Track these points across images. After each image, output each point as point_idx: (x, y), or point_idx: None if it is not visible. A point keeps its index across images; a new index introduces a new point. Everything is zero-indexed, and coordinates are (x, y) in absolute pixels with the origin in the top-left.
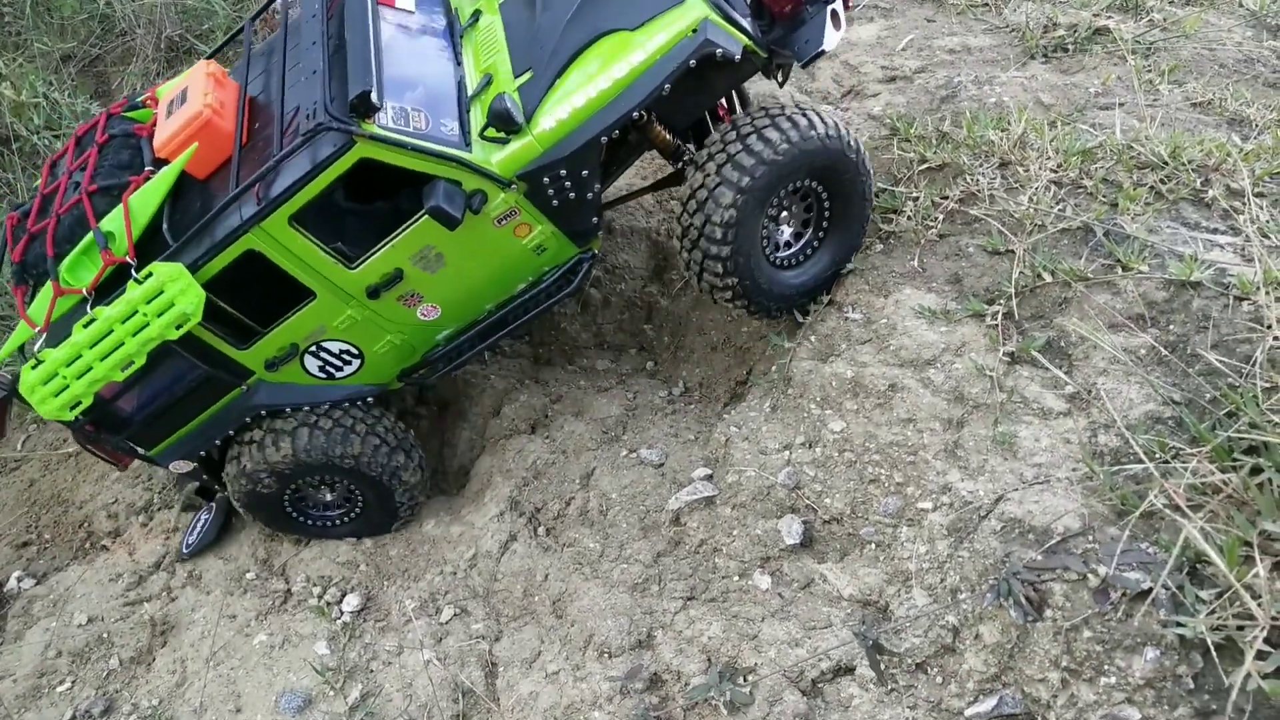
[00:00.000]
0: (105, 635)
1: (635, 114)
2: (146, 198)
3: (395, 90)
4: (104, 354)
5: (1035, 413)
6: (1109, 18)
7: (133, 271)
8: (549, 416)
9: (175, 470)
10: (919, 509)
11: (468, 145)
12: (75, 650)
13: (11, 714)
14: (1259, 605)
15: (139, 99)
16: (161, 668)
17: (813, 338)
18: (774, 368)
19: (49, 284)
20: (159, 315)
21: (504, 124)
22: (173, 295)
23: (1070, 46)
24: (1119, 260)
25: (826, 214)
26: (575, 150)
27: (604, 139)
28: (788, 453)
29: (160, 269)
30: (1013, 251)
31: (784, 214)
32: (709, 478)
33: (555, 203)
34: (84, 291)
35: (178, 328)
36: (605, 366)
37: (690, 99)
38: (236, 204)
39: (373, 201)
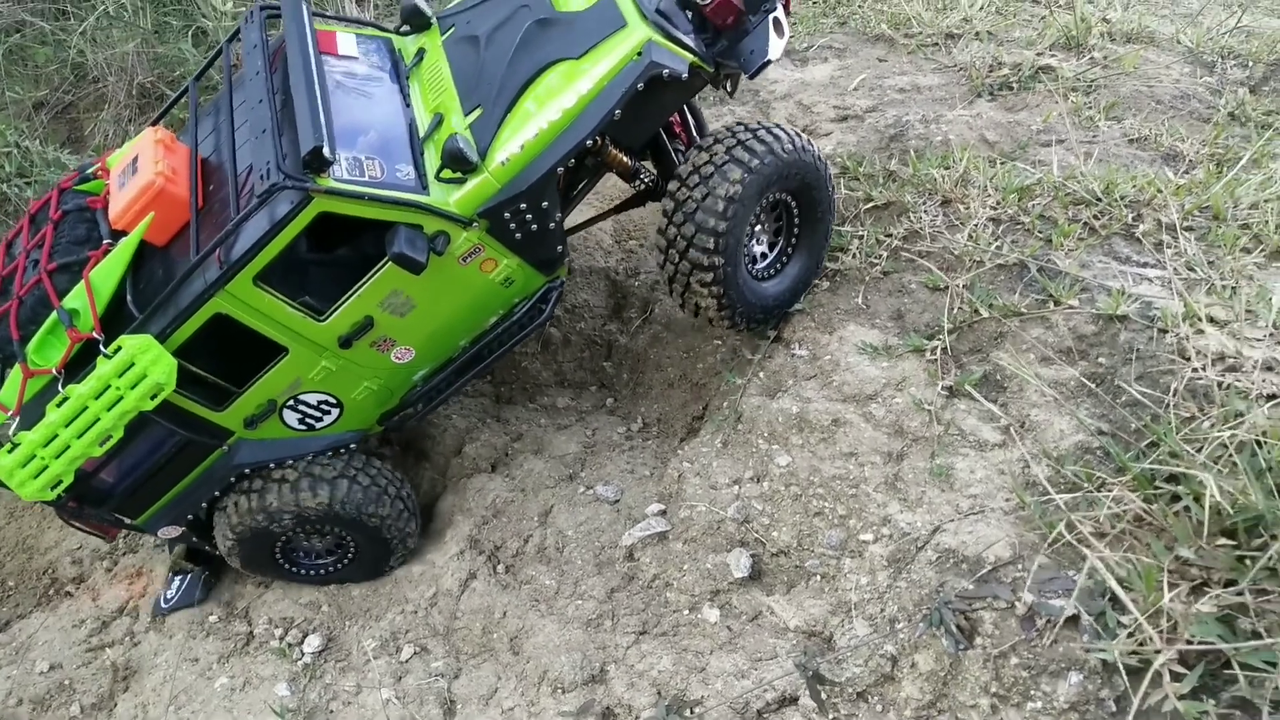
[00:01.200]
0: (67, 682)
1: (588, 141)
2: (107, 271)
3: (347, 139)
4: (80, 431)
5: (972, 445)
6: (1052, 56)
7: (101, 347)
8: (509, 455)
9: (164, 536)
10: (860, 540)
11: (425, 188)
12: (36, 698)
13: None
14: (1161, 632)
15: (89, 169)
16: (123, 713)
17: (762, 374)
18: (725, 404)
19: (17, 367)
20: (132, 387)
21: (459, 164)
22: (144, 366)
23: (1015, 85)
24: (1051, 295)
25: (796, 226)
26: (533, 183)
27: (560, 169)
28: (737, 487)
29: (129, 341)
30: (950, 290)
31: (758, 227)
32: (662, 513)
33: (518, 236)
34: (53, 371)
35: (152, 398)
36: (565, 404)
37: (642, 120)
38: (199, 270)
39: (335, 249)
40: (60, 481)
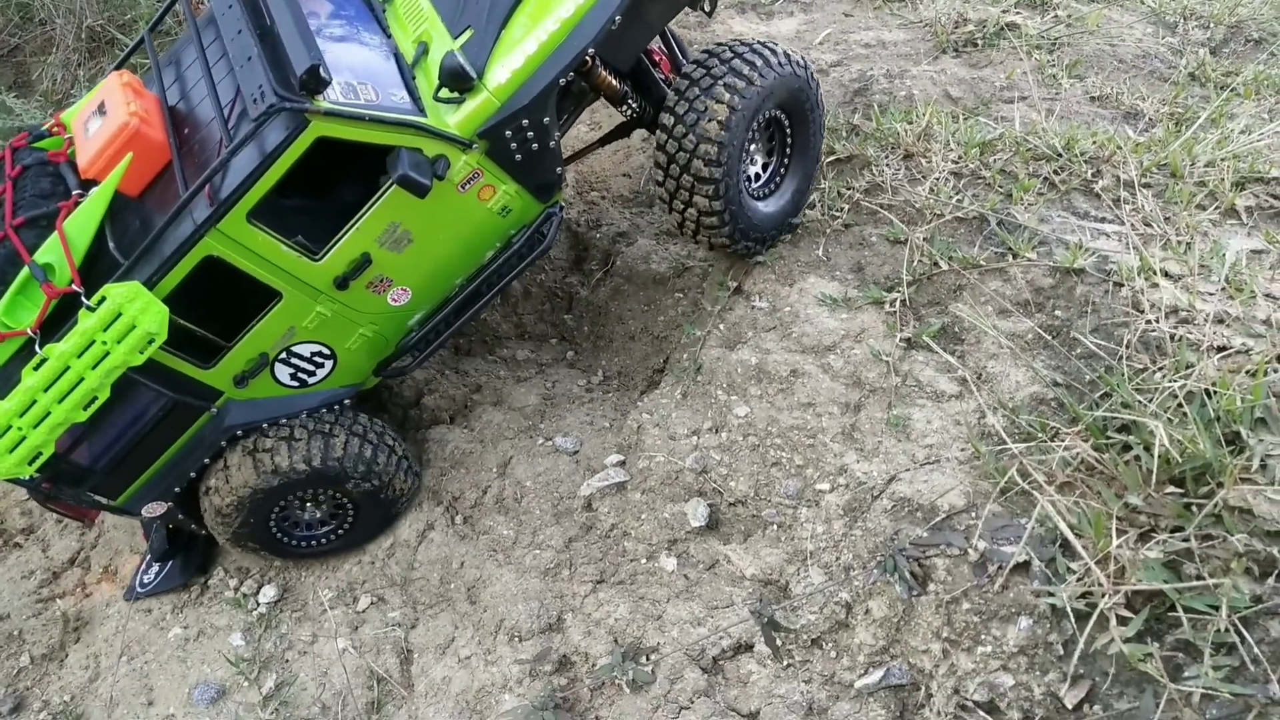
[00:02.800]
0: (16, 632)
1: (589, 51)
2: (83, 221)
3: (334, 69)
4: (62, 394)
5: (928, 396)
6: (1017, 13)
7: (83, 299)
8: (468, 406)
9: (148, 515)
10: (817, 490)
11: (422, 112)
12: None
13: None
14: (1108, 575)
15: (43, 128)
16: (74, 663)
17: (721, 326)
18: (685, 356)
19: None
20: (119, 341)
21: (457, 81)
22: (133, 316)
23: (980, 41)
24: (1010, 248)
25: (789, 144)
26: (534, 97)
27: (561, 81)
28: (696, 438)
29: (114, 290)
30: (910, 243)
31: (753, 146)
32: (621, 464)
33: (518, 157)
34: (28, 332)
35: (142, 351)
36: (525, 356)
37: (631, 37)
38: (187, 210)
39: (317, 197)
40: (39, 454)
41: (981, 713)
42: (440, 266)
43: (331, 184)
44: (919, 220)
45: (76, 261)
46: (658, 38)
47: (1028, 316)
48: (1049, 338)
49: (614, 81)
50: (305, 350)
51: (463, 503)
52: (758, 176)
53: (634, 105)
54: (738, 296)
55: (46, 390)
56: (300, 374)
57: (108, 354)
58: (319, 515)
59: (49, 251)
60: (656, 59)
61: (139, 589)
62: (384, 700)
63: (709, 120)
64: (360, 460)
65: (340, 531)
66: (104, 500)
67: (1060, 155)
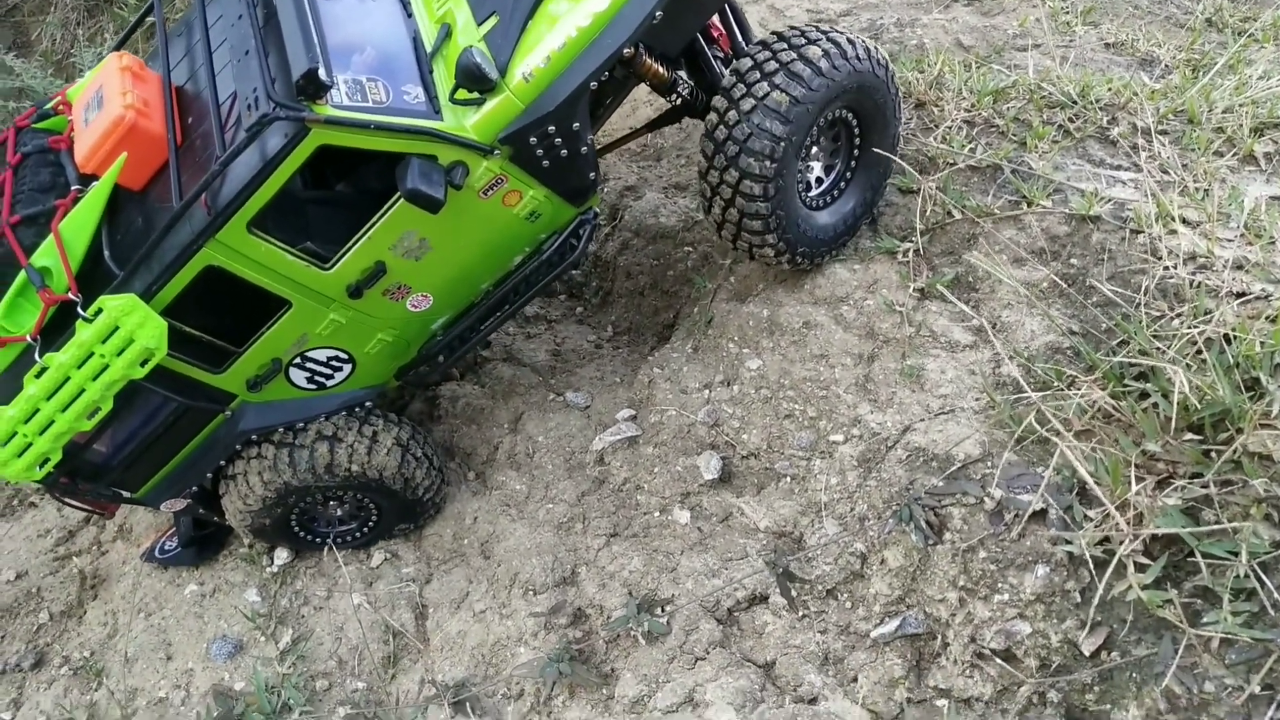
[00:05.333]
0: (34, 590)
1: (624, 50)
2: (79, 223)
3: (343, 59)
4: (64, 404)
5: (943, 346)
6: None
7: (79, 309)
8: (479, 362)
9: (169, 510)
10: (831, 441)
11: (437, 113)
12: (4, 606)
13: None
14: (1127, 522)
15: (48, 105)
16: (92, 620)
17: (732, 279)
18: (696, 309)
19: None
20: (118, 354)
21: (476, 82)
22: (130, 330)
23: None
24: (1024, 196)
25: (855, 150)
26: (561, 102)
27: (592, 84)
28: (708, 391)
29: (110, 303)
30: (922, 193)
31: (814, 149)
32: (633, 418)
33: (546, 163)
34: (28, 338)
35: (142, 364)
36: (534, 312)
37: (683, 21)
38: (184, 217)
39: (335, 185)
40: (47, 459)
41: (998, 660)
42: (463, 272)
43: (346, 175)
44: (931, 169)
45: (74, 267)
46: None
47: (1043, 265)
48: (1065, 285)
49: (661, 70)
50: (321, 355)
51: (475, 459)
52: (818, 182)
53: (684, 93)
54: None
55: (49, 399)
56: (317, 377)
57: (107, 366)
58: (341, 514)
59: (46, 254)
60: (715, 34)
61: (157, 554)
62: (400, 654)
63: (768, 108)
64: (380, 465)
65: (364, 530)
66: (124, 494)
67: (1075, 102)
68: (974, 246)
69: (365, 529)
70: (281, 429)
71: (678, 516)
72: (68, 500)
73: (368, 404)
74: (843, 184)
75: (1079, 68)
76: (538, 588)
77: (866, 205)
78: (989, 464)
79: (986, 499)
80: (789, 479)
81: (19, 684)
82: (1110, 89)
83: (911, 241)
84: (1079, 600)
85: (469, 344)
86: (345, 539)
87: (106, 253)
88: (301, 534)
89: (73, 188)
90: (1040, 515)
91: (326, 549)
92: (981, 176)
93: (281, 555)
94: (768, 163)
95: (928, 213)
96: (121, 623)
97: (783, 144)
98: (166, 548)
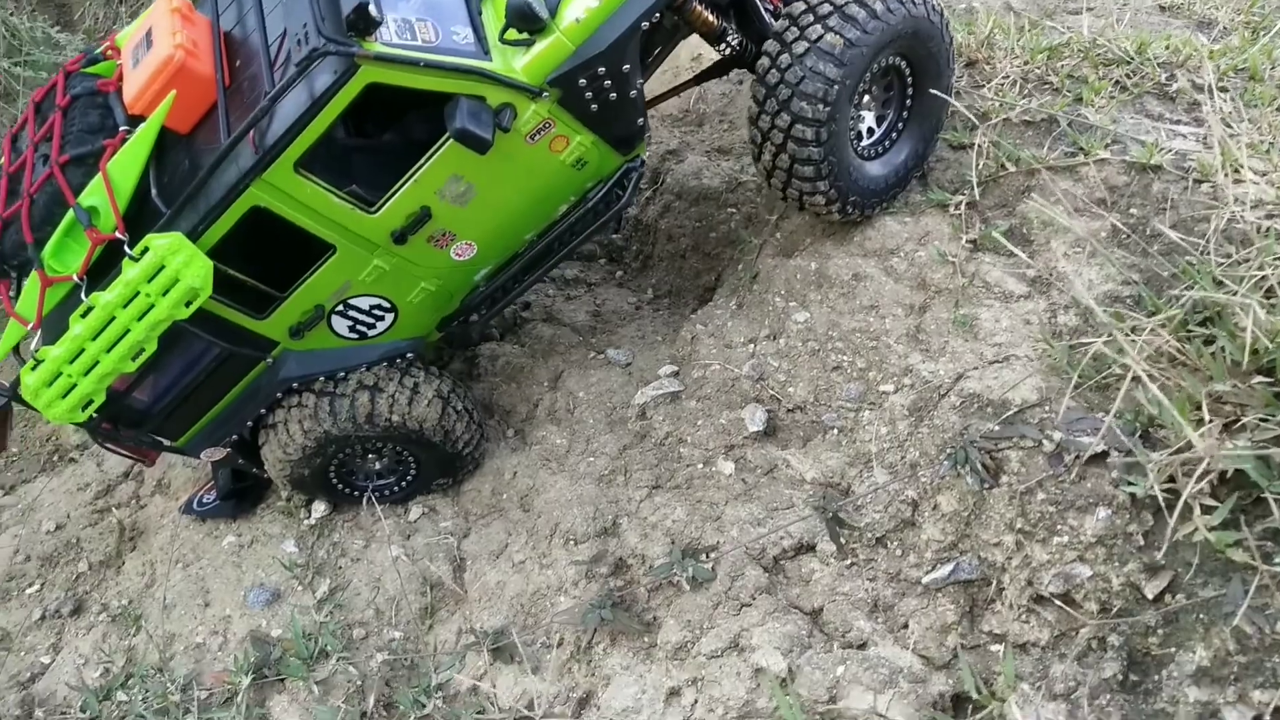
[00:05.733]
0: (74, 540)
1: None
2: (127, 162)
3: (392, 1)
4: (109, 344)
5: (996, 296)
6: None
7: (126, 248)
8: (518, 323)
9: (208, 459)
10: (880, 391)
11: (486, 54)
12: (44, 555)
13: None
14: (1195, 461)
15: (97, 51)
16: (131, 570)
17: (778, 235)
18: (741, 265)
19: (34, 274)
20: (164, 294)
21: (526, 22)
22: (176, 270)
23: None
24: (1081, 148)
25: (908, 99)
26: (613, 43)
27: (645, 24)
28: (753, 345)
29: (156, 242)
30: (977, 145)
31: (866, 98)
32: (675, 374)
33: (594, 107)
34: (75, 278)
35: (187, 305)
36: (574, 275)
37: None
38: (231, 156)
39: (378, 135)
40: (90, 401)
41: (1058, 602)
42: (508, 220)
43: (398, 118)
44: (983, 124)
45: (121, 206)
46: None
47: (1103, 215)
48: (1126, 234)
49: (711, 18)
50: (363, 303)
51: (514, 417)
52: (870, 132)
53: (733, 43)
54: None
55: (94, 339)
56: (359, 326)
57: (152, 306)
58: (379, 467)
59: (94, 194)
60: None
61: (195, 506)
62: (437, 605)
63: (821, 51)
64: (420, 416)
65: (402, 485)
66: (165, 441)
67: (1132, 60)
68: (1028, 198)
69: (403, 483)
70: (322, 378)
71: (721, 467)
72: (109, 446)
73: (408, 355)
74: (895, 134)
75: (1134, 29)
76: (578, 538)
77: (918, 157)
78: (1046, 409)
79: (1045, 441)
80: (836, 431)
81: (58, 629)
82: (1168, 47)
83: (963, 194)
84: (1141, 543)
85: (511, 295)
86: (383, 493)
87: (154, 191)
88: (340, 486)
89: (121, 128)
90: (1101, 458)
91: (365, 501)
92: (1036, 130)
93: (319, 509)
94: (821, 106)
95: (979, 165)
96: (159, 573)
97: (836, 87)
98: (205, 500)
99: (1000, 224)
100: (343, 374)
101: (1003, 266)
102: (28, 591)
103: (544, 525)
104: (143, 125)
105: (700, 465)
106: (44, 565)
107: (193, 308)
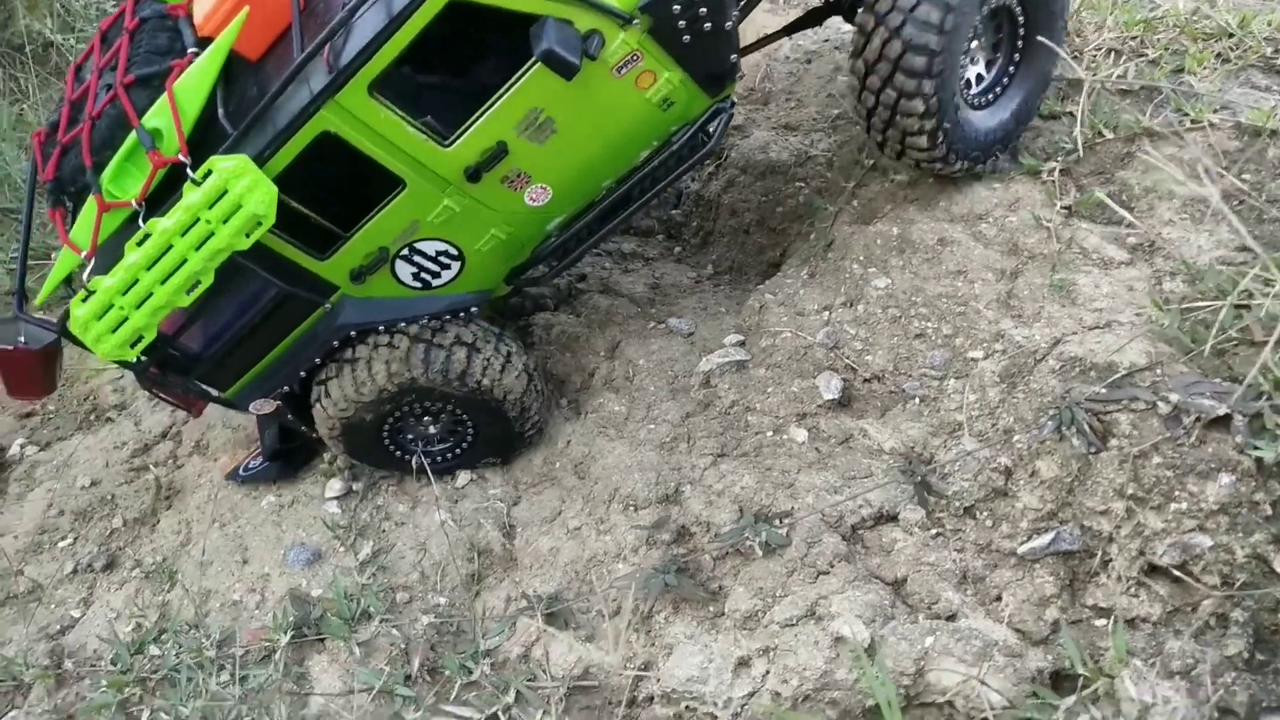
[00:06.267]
0: (109, 497)
1: None
2: (194, 83)
3: None
4: (165, 274)
5: (1095, 263)
6: None
7: (189, 171)
8: (574, 294)
9: (256, 411)
10: (969, 358)
11: None
12: (78, 510)
13: (13, 566)
14: None
15: None
16: (166, 528)
17: (855, 202)
18: (814, 234)
19: (91, 199)
20: (224, 221)
21: None
22: (239, 195)
23: None
24: (1187, 114)
25: (1020, 41)
26: None
27: None
28: (827, 313)
29: (220, 164)
30: (1070, 114)
31: (975, 43)
32: (741, 344)
33: (686, 38)
34: (133, 203)
35: (247, 235)
36: (631, 249)
37: None
38: (303, 75)
39: (454, 74)
40: (141, 338)
41: (1175, 574)
42: (586, 163)
43: (472, 60)
44: (1074, 93)
45: (186, 129)
46: None
47: (1212, 180)
48: (1239, 199)
49: None
50: (430, 248)
51: (569, 386)
52: (978, 79)
53: None
54: (873, 173)
55: (149, 269)
56: (424, 274)
57: (212, 234)
58: (435, 431)
59: (158, 115)
60: None
61: (241, 473)
62: (485, 572)
63: (918, 24)
64: (508, 386)
65: (453, 454)
66: (213, 391)
67: (1234, 33)
68: (1128, 165)
69: (454, 452)
70: (381, 329)
71: (794, 435)
72: (156, 392)
73: (473, 309)
74: (1003, 84)
75: (1236, 8)
76: (639, 503)
77: (1024, 114)
78: (1157, 372)
79: (1160, 403)
80: (918, 400)
81: (90, 584)
82: (1271, 23)
83: (1057, 161)
84: (1269, 512)
85: (583, 247)
86: (434, 460)
87: (220, 112)
88: (389, 445)
89: (189, 49)
90: (1222, 422)
91: (414, 463)
92: (1133, 98)
93: (335, 487)
94: (934, 36)
95: (1074, 133)
96: (196, 531)
97: (952, 15)
98: (251, 466)
99: (1097, 191)
100: (438, 324)
101: (1101, 233)
102: (60, 545)
103: (601, 491)
104: (213, 45)
105: (770, 433)
106: (77, 520)
107: (253, 237)
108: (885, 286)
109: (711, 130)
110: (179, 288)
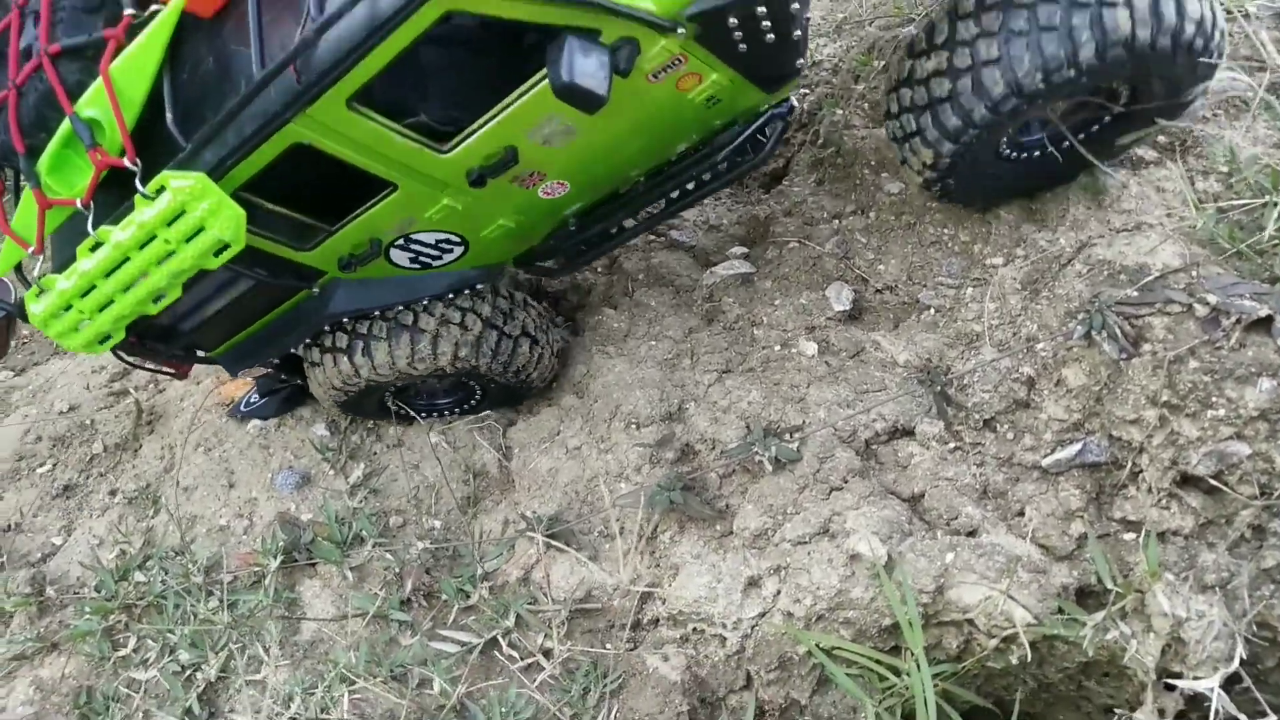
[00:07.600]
0: (88, 422)
1: None
2: (136, 65)
3: None
4: (124, 285)
5: (1121, 163)
6: None
7: (137, 182)
8: None
9: (247, 376)
10: (988, 265)
11: None
12: (56, 436)
13: None
14: None
15: None
16: (148, 453)
17: (865, 104)
18: (821, 140)
19: (28, 191)
20: (186, 241)
21: None
22: (201, 218)
23: None
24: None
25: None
26: None
27: None
28: (837, 221)
29: (175, 182)
30: None
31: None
32: (746, 256)
33: (743, 47)
34: (78, 204)
35: (216, 255)
36: None
37: None
38: (266, 87)
39: (462, 50)
40: (109, 336)
41: (1210, 483)
42: (612, 160)
43: (478, 51)
44: None
45: (129, 122)
46: None
47: (1248, 74)
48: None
49: None
50: (429, 238)
51: (563, 305)
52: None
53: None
54: (885, 74)
55: (106, 277)
56: (423, 258)
57: (173, 253)
58: (441, 389)
59: (95, 102)
60: None
61: (241, 409)
62: (481, 494)
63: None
64: (533, 370)
65: (467, 405)
66: (199, 352)
67: None
68: None
69: (463, 407)
70: (377, 313)
71: (803, 348)
72: (135, 363)
73: (478, 286)
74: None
75: None
76: (641, 421)
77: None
78: (1192, 274)
79: (1198, 305)
80: (933, 310)
81: (70, 510)
82: None
83: None
84: None
85: (613, 241)
86: (441, 414)
87: (169, 115)
88: (396, 409)
89: (125, 12)
90: (1263, 325)
91: (423, 418)
92: None
93: (319, 431)
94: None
95: None
96: (179, 456)
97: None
98: (251, 400)
99: None
100: (401, 307)
101: None
102: (39, 471)
103: (602, 409)
104: (158, 17)
105: (778, 347)
106: (56, 446)
107: (223, 258)
108: (899, 191)
109: (767, 135)
110: (143, 300)
